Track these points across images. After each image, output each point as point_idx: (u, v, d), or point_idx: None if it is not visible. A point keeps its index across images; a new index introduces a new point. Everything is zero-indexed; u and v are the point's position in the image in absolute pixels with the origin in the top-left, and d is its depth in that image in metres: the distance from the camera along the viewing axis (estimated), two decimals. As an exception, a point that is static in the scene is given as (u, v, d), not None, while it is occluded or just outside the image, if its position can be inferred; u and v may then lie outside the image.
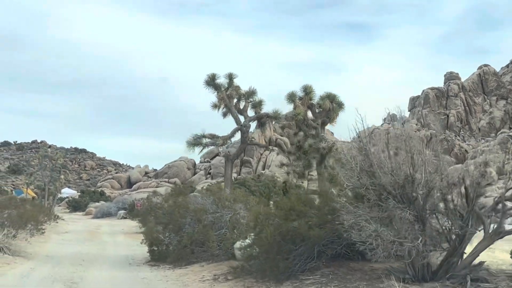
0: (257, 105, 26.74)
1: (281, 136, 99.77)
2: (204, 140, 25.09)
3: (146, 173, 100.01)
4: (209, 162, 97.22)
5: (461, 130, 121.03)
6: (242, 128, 26.10)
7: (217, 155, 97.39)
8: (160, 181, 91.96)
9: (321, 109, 24.11)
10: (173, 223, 18.34)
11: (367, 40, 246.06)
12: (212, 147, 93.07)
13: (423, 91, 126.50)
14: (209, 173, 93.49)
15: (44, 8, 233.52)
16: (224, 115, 26.68)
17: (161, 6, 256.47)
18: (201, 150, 25.28)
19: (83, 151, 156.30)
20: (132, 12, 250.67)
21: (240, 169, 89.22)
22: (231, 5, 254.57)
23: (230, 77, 26.11)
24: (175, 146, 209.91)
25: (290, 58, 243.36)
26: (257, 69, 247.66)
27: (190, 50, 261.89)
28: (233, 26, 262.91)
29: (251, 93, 26.68)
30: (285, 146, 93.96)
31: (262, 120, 26.86)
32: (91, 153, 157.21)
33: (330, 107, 23.89)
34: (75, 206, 74.78)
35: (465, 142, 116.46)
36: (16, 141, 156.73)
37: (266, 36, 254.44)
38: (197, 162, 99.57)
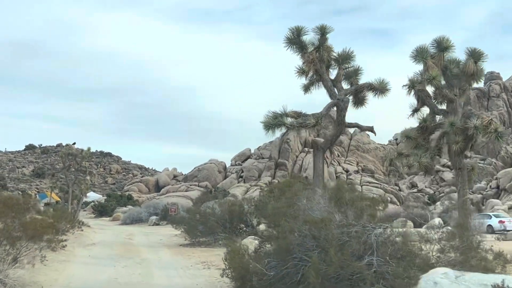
0: (353, 74, 19.05)
1: (317, 137, 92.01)
2: (287, 120, 17.41)
3: (175, 176, 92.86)
4: (241, 165, 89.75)
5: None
6: (340, 104, 18.40)
7: (249, 157, 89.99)
8: (190, 185, 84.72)
9: (458, 73, 16.39)
10: (274, 240, 10.77)
11: (390, 46, 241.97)
12: (243, 149, 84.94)
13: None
14: (241, 177, 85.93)
15: (70, 17, 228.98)
16: (307, 88, 19.05)
17: (184, 14, 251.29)
18: (284, 133, 17.56)
19: (108, 154, 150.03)
20: (157, 20, 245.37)
21: (275, 173, 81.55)
22: (254, 12, 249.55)
23: (323, 31, 18.42)
24: (200, 152, 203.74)
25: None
26: (280, 76, 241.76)
27: (214, 58, 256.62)
28: (256, 33, 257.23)
29: (347, 56, 19.00)
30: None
31: (361, 94, 19.05)
32: (117, 156, 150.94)
33: (474, 70, 16.25)
34: (101, 211, 67.85)
35: (509, 145, 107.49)
36: (41, 144, 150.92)
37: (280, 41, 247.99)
38: (228, 164, 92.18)
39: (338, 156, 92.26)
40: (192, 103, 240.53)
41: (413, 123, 20.45)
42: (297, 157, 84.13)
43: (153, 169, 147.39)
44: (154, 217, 48.95)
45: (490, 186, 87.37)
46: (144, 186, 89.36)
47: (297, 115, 17.48)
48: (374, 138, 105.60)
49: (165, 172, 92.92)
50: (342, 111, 18.51)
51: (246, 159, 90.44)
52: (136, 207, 65.28)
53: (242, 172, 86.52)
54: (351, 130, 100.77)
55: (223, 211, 25.87)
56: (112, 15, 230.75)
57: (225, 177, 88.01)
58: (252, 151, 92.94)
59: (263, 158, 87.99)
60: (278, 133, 17.05)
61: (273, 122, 16.68)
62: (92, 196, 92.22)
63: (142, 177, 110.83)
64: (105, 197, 79.92)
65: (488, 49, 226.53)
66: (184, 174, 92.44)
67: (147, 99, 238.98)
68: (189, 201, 74.57)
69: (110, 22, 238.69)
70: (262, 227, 28.31)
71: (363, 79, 19.42)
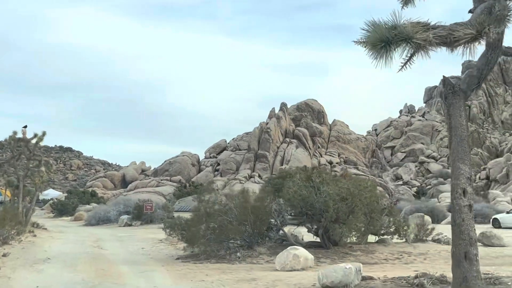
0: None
1: (298, 126, 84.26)
2: (414, 33, 8.89)
3: (143, 170, 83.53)
4: (216, 157, 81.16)
5: (484, 122, 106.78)
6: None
7: (225, 149, 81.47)
8: (161, 180, 75.67)
9: None
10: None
11: (351, 43, 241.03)
12: (218, 141, 76.24)
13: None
14: (217, 170, 77.36)
15: (29, 11, 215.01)
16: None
17: (148, 9, 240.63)
18: (409, 58, 9.08)
19: (69, 149, 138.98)
20: (121, 16, 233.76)
21: (254, 165, 73.29)
22: (217, 7, 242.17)
23: None
24: (165, 148, 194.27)
25: (276, 60, 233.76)
26: (243, 71, 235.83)
27: (178, 53, 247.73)
28: (219, 28, 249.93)
29: None
30: (305, 138, 78.42)
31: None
32: (78, 151, 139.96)
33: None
34: (61, 209, 58.27)
35: (493, 135, 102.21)
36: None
37: (250, 38, 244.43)
38: (202, 157, 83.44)
39: (319, 147, 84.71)
40: (157, 98, 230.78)
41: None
42: (278, 148, 76.09)
43: (117, 164, 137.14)
44: (125, 217, 40.06)
45: (479, 177, 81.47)
46: (109, 181, 79.76)
47: (422, 26, 9.12)
48: (353, 128, 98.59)
49: (132, 166, 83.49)
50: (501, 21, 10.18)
51: (221, 151, 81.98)
52: (101, 204, 55.98)
53: (218, 165, 78.02)
54: (330, 120, 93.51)
55: (241, 209, 17.50)
56: (74, 10, 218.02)
57: (199, 170, 79.33)
58: (228, 142, 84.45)
59: (240, 149, 79.68)
60: (395, 56, 8.63)
61: (389, 35, 8.37)
62: (51, 193, 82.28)
63: (106, 172, 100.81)
64: (66, 194, 69.97)
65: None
66: (153, 168, 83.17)
67: (110, 95, 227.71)
68: (161, 197, 65.84)
69: (72, 17, 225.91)
70: (301, 231, 20.17)
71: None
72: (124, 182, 79.48)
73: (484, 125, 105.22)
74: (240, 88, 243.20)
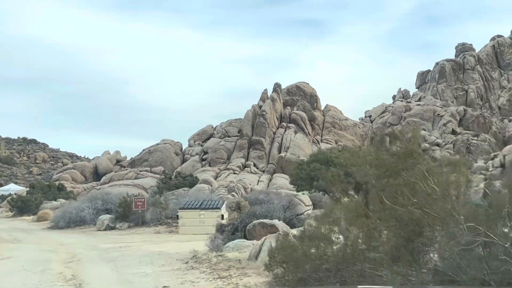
0: None
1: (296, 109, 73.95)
2: None
3: (118, 161, 71.92)
4: (201, 145, 70.20)
5: (482, 107, 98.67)
6: None
7: (211, 135, 70.55)
8: (140, 171, 64.36)
9: None
10: None
11: (320, 36, 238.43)
12: (204, 127, 65.31)
13: (438, 63, 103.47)
14: (203, 159, 66.44)
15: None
16: None
17: (116, 2, 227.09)
18: None
19: (33, 141, 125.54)
20: (88, 8, 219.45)
21: (248, 153, 62.68)
22: (184, 1, 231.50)
23: None
24: (133, 143, 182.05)
25: (245, 54, 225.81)
26: (211, 65, 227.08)
27: (145, 47, 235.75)
28: (187, 22, 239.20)
29: None
30: (303, 123, 68.30)
31: None
32: (43, 144, 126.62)
33: None
34: (22, 207, 46.69)
35: (502, 120, 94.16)
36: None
37: (220, 31, 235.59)
38: (185, 145, 72.38)
39: (317, 133, 74.68)
40: (126, 93, 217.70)
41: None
42: (274, 133, 65.65)
43: (87, 157, 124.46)
44: (106, 217, 28.97)
45: (493, 165, 72.88)
46: (79, 173, 67.96)
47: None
48: (347, 114, 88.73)
49: (105, 156, 71.75)
50: None
51: (208, 138, 71.10)
52: (71, 200, 44.46)
53: (205, 153, 67.15)
54: (323, 105, 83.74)
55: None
56: (38, 2, 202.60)
57: (184, 160, 68.29)
58: (214, 128, 73.63)
59: (229, 136, 69.01)
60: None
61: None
62: (13, 188, 70.13)
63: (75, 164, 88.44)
64: (28, 189, 57.90)
65: (412, 39, 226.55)
66: (130, 158, 71.68)
67: (76, 88, 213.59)
68: (142, 191, 54.61)
69: (36, 8, 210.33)
70: None
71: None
72: (97, 174, 67.90)
73: (482, 111, 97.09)
74: (207, 82, 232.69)
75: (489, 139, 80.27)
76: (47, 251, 18.98)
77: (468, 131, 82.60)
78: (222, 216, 25.07)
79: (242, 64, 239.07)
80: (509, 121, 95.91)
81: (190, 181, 52.29)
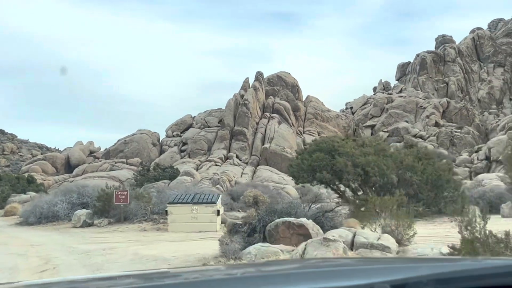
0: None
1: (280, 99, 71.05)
2: None
3: (92, 152, 67.99)
4: (180, 136, 66.85)
5: (462, 100, 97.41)
6: None
7: (191, 126, 67.29)
8: (116, 162, 60.73)
9: None
10: None
11: (293, 29, 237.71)
12: (183, 116, 62.24)
13: (418, 55, 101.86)
14: (182, 151, 63.14)
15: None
16: None
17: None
18: None
19: (1, 132, 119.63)
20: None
21: (230, 144, 59.65)
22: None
23: None
24: (107, 136, 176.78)
25: (217, 46, 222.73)
26: (185, 57, 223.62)
27: (119, 38, 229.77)
28: (160, 13, 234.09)
29: None
30: (287, 113, 65.62)
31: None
32: (11, 134, 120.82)
33: None
34: (-13, 201, 42.75)
35: (483, 113, 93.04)
36: None
37: (194, 23, 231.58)
38: (162, 136, 68.92)
39: (298, 125, 72.02)
40: (98, 84, 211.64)
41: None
42: (257, 124, 62.70)
43: (57, 149, 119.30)
44: (82, 212, 25.61)
45: (478, 158, 71.40)
46: (50, 165, 63.83)
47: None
48: (329, 106, 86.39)
49: (78, 146, 67.67)
50: None
51: (186, 129, 67.75)
52: (42, 193, 40.76)
53: (184, 144, 63.84)
54: (305, 95, 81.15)
55: None
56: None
57: (161, 151, 64.87)
58: (193, 118, 70.31)
59: (209, 126, 65.80)
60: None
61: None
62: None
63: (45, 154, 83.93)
64: (-6, 181, 53.68)
65: (384, 34, 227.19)
66: (104, 149, 67.83)
67: (48, 79, 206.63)
68: (118, 183, 51.00)
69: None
70: None
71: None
72: (69, 166, 63.90)
73: (466, 103, 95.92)
74: (183, 74, 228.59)
75: (472, 131, 78.92)
76: (14, 254, 15.71)
77: (451, 124, 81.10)
78: (218, 211, 22.07)
79: (217, 56, 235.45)
80: (489, 114, 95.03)
81: (171, 173, 49.13)
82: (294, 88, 78.52)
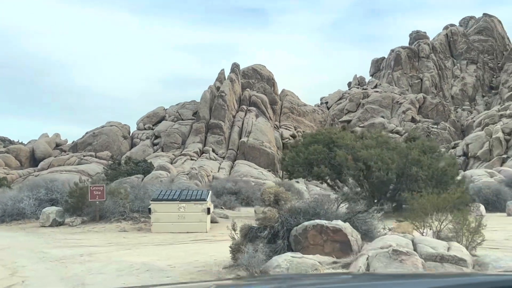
0: None
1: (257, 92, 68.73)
2: None
3: (58, 145, 64.39)
4: (152, 129, 63.94)
5: (436, 96, 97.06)
6: None
7: (163, 118, 64.47)
8: (84, 156, 57.46)
9: None
10: None
11: (263, 25, 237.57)
12: (155, 108, 59.69)
13: (393, 50, 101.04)
14: (155, 144, 60.30)
15: None
16: None
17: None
18: None
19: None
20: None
21: (206, 138, 57.15)
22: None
23: None
24: (73, 129, 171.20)
25: (187, 40, 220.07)
26: (153, 51, 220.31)
27: (86, 30, 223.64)
28: (129, 6, 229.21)
29: None
30: (264, 106, 63.45)
31: None
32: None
33: None
34: None
35: (457, 109, 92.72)
36: None
37: (162, 17, 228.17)
38: (133, 129, 65.83)
39: (275, 119, 69.93)
40: (65, 77, 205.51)
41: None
42: (234, 117, 60.27)
43: (21, 142, 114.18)
44: (52, 209, 22.76)
45: (455, 154, 70.64)
46: (13, 158, 60.02)
47: None
48: (303, 100, 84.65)
49: (43, 139, 63.93)
50: None
51: (159, 121, 64.83)
52: (5, 189, 37.33)
53: (157, 137, 60.97)
54: (279, 90, 79.18)
55: None
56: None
57: (132, 144, 61.85)
58: (166, 110, 67.41)
59: (182, 119, 63.07)
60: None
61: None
62: None
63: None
64: (-48, 175, 49.79)
65: (354, 31, 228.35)
66: (72, 141, 64.32)
67: (12, 72, 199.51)
68: (87, 177, 48.06)
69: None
70: None
71: None
72: (34, 159, 60.22)
73: (441, 99, 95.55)
74: (150, 68, 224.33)
75: (448, 127, 78.30)
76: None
77: (427, 119, 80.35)
78: (208, 209, 19.69)
79: (186, 51, 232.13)
80: (463, 110, 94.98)
81: (144, 168, 46.35)
82: (270, 82, 76.38)
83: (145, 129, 64.25)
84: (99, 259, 13.24)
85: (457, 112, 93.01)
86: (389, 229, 9.86)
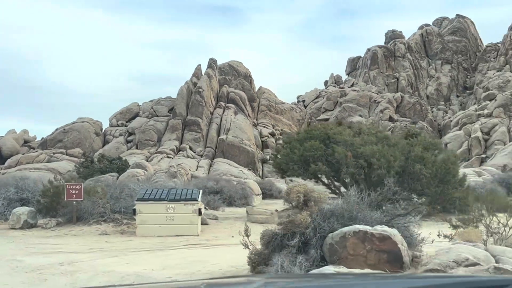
0: None
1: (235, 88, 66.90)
2: None
3: (26, 141, 61.33)
4: (125, 125, 61.56)
5: (412, 96, 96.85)
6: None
7: (137, 115, 62.16)
8: (54, 153, 54.80)
9: None
10: None
11: (235, 23, 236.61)
12: (129, 104, 57.51)
13: (369, 49, 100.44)
14: (129, 141, 58.01)
15: None
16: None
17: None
18: None
19: None
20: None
21: (183, 135, 55.17)
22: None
23: None
24: (40, 127, 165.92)
25: (157, 38, 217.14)
26: (123, 48, 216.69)
27: (56, 27, 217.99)
28: (97, 3, 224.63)
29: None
30: (242, 103, 61.76)
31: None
32: None
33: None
34: None
35: (432, 108, 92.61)
36: None
37: (132, 14, 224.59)
38: (105, 125, 63.33)
39: (253, 117, 68.24)
40: (33, 74, 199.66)
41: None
42: (212, 113, 58.34)
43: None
44: (23, 210, 20.54)
45: (433, 153, 70.14)
46: (-22, 155, 56.73)
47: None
48: (280, 99, 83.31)
49: (11, 135, 60.71)
50: None
51: (133, 118, 62.44)
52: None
53: (130, 134, 58.63)
54: (257, 87, 77.60)
55: None
56: None
57: (105, 141, 59.35)
58: (140, 106, 65.05)
59: (157, 115, 60.84)
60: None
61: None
62: None
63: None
64: None
65: (324, 31, 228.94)
66: (41, 138, 61.37)
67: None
68: (55, 175, 45.32)
69: None
70: None
71: None
72: (0, 157, 57.14)
73: (419, 98, 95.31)
74: (120, 66, 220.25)
75: (426, 126, 77.91)
76: None
77: (405, 118, 79.83)
78: (200, 210, 17.89)
79: (157, 49, 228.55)
80: (438, 110, 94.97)
81: (119, 165, 44.11)
82: (247, 78, 74.63)
83: (118, 125, 61.75)
84: (83, 269, 11.35)
85: (432, 112, 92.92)
86: (445, 236, 8.27)
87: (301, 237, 8.10)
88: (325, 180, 22.95)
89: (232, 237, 17.18)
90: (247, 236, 9.65)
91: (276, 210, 21.87)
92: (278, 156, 22.76)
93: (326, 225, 8.27)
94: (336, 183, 22.87)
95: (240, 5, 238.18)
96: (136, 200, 17.72)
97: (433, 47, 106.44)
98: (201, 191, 18.59)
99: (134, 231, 17.90)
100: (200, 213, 17.65)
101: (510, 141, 64.96)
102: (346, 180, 22.29)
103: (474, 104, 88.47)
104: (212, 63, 64.24)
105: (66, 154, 55.04)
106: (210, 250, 14.34)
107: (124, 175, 39.93)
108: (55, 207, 20.22)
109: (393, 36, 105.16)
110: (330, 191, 23.44)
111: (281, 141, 62.18)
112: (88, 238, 16.86)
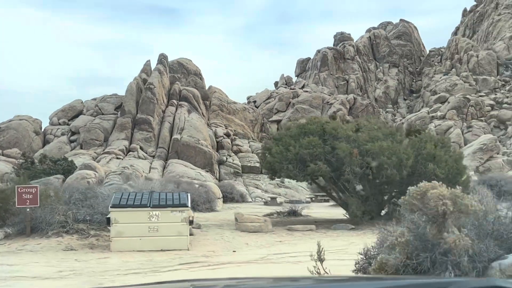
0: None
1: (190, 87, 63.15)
2: None
3: (-45, 141, 55.12)
4: (68, 124, 56.67)
5: (363, 98, 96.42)
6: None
7: (81, 112, 57.42)
8: (-12, 153, 49.45)
9: None
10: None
11: (174, 25, 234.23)
12: (71, 101, 52.83)
13: (319, 51, 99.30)
14: (72, 141, 53.26)
15: None
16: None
17: None
18: None
19: None
20: None
21: (132, 135, 51.11)
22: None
23: None
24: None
25: (92, 37, 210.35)
26: (57, 47, 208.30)
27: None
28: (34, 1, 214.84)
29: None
30: (196, 101, 58.38)
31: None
32: None
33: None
34: None
35: (386, 112, 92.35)
36: None
37: (66, 12, 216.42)
38: (45, 124, 58.14)
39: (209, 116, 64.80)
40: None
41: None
42: (163, 112, 54.47)
43: None
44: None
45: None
46: None
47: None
48: (231, 97, 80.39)
49: None
50: None
51: (76, 116, 57.56)
52: None
53: (74, 134, 53.84)
54: (207, 86, 74.29)
55: None
56: None
57: (45, 141, 54.27)
58: (83, 103, 60.19)
59: (103, 113, 56.31)
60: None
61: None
62: None
63: None
64: None
65: (266, 36, 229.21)
66: (-28, 137, 55.29)
67: None
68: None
69: None
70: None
71: None
72: None
73: (371, 100, 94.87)
74: (55, 64, 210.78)
75: (378, 129, 77.21)
76: None
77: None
78: (190, 219, 14.59)
79: (93, 48, 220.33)
80: (386, 113, 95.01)
81: (64, 167, 39.73)
82: (197, 77, 71.11)
83: (60, 124, 56.65)
84: None
85: (381, 114, 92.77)
86: None
87: (454, 270, 5.13)
88: (321, 183, 20.17)
89: (234, 251, 14.03)
90: (321, 261, 6.67)
91: (269, 216, 18.91)
92: (267, 155, 19.71)
93: (484, 249, 5.34)
94: (333, 186, 20.12)
95: (178, 7, 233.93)
96: (111, 207, 14.18)
97: (381, 50, 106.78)
98: (189, 194, 15.27)
99: (106, 244, 14.41)
100: (191, 222, 14.37)
101: (464, 143, 64.95)
102: (346, 183, 19.60)
103: (422, 107, 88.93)
104: (162, 58, 60.38)
105: (3, 155, 49.72)
106: (220, 272, 11.11)
107: (72, 177, 35.75)
108: (2, 216, 16.32)
109: (342, 38, 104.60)
110: (325, 195, 20.60)
111: (236, 141, 59.17)
112: (50, 256, 13.20)
